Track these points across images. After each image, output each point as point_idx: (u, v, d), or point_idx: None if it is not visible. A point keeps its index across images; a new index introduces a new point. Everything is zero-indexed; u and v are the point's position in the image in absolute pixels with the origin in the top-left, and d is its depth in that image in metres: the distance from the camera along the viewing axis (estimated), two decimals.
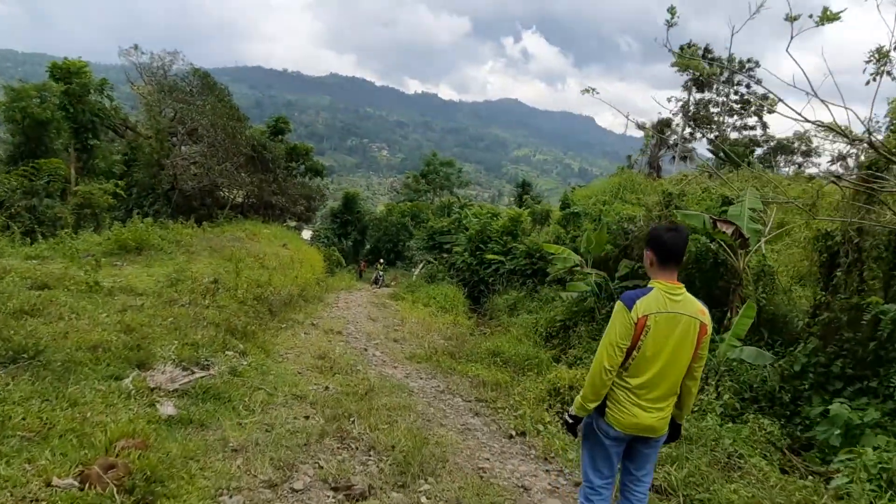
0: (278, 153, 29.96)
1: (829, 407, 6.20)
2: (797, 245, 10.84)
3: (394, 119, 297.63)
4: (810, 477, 5.51)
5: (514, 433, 5.62)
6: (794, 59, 5.44)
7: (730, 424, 6.13)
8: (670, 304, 2.95)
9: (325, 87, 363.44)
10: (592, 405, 3.07)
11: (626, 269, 12.01)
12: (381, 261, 30.68)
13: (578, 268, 12.81)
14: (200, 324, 7.73)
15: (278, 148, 30.56)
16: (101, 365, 5.40)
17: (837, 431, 5.92)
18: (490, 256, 19.29)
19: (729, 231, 7.98)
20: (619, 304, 2.99)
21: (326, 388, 6.48)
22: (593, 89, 9.97)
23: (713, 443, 5.61)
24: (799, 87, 5.30)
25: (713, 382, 7.22)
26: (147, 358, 5.85)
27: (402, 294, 20.13)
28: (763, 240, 8.83)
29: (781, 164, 46.72)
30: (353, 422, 5.33)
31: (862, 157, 7.09)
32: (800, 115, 5.72)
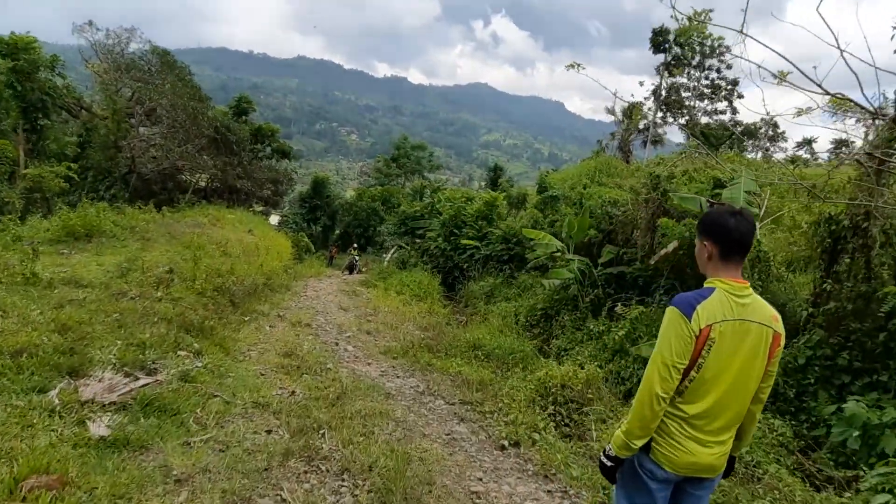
0: (243, 135, 28.73)
1: (845, 406, 5.72)
2: (785, 229, 10.38)
3: (363, 103, 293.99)
4: (829, 487, 5.05)
5: (506, 443, 4.98)
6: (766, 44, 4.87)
7: None
8: (737, 309, 2.32)
9: (292, 70, 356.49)
10: (640, 442, 2.39)
11: (610, 254, 11.48)
12: (355, 246, 29.54)
13: (559, 254, 12.23)
14: (150, 320, 6.90)
15: (243, 129, 29.32)
16: (24, 374, 4.59)
17: (856, 433, 5.44)
18: (465, 242, 18.62)
19: None
20: (672, 312, 2.33)
21: (293, 392, 5.74)
22: (579, 65, 9.32)
23: None
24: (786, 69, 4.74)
25: None
26: (82, 363, 5.03)
27: (374, 281, 19.36)
28: (760, 225, 8.32)
29: (749, 149, 47.10)
30: (324, 435, 4.62)
31: (870, 136, 6.55)
32: (819, 85, 5.15)
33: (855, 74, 4.76)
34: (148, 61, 27.98)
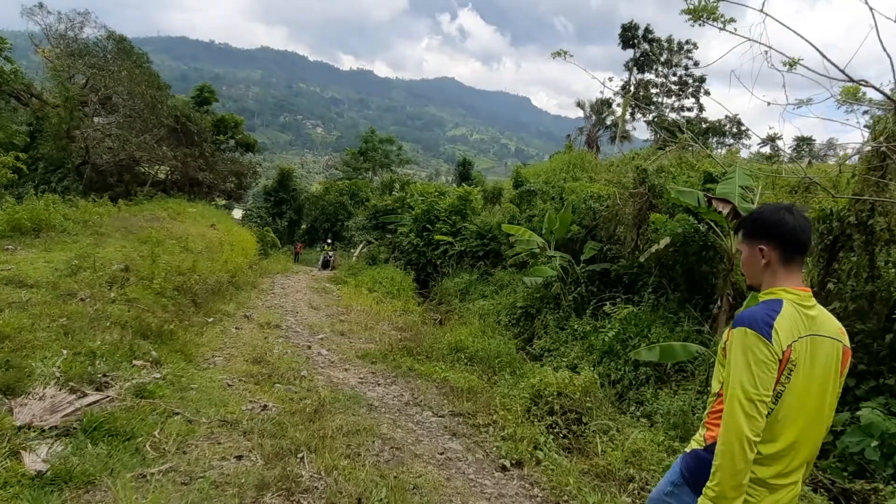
0: (204, 125, 27.59)
1: (859, 413, 5.40)
2: None
3: (328, 95, 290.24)
4: (848, 500, 4.71)
5: (507, 463, 4.47)
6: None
7: None
8: (808, 322, 1.93)
9: (255, 61, 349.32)
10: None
11: (593, 251, 11.11)
12: (329, 241, 28.48)
13: (539, 250, 11.81)
14: (101, 325, 6.19)
15: (204, 120, 28.17)
16: None
17: (874, 443, 5.11)
18: (439, 237, 18.09)
19: (725, 210, 7.08)
20: (745, 333, 1.86)
21: (264, 406, 5.13)
22: (566, 52, 8.89)
23: None
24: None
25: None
26: (19, 379, 4.34)
27: (344, 278, 18.71)
28: None
29: (714, 146, 47.72)
30: (303, 459, 4.04)
31: (877, 128, 6.25)
32: (842, 71, 4.79)
33: (889, 57, 4.37)
34: (103, 47, 26.63)
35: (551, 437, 5.14)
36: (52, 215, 12.52)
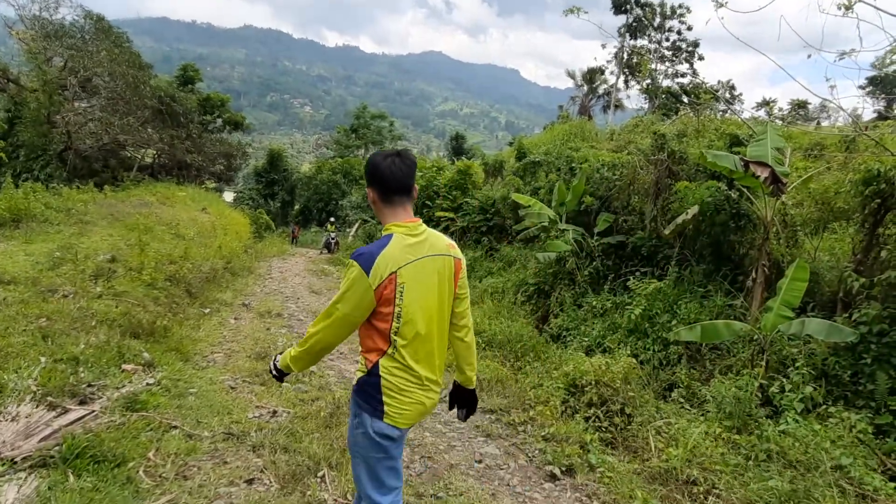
0: (190, 105, 26.58)
1: None
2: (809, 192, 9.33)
3: (315, 73, 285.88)
4: None
5: (557, 471, 3.92)
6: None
7: (816, 425, 4.69)
8: (417, 248, 2.32)
9: (239, 40, 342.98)
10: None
11: (606, 223, 10.52)
12: (332, 220, 26.53)
13: (548, 223, 11.20)
14: (86, 325, 5.56)
15: (189, 99, 27.13)
16: None
17: None
18: (439, 214, 17.43)
19: (763, 175, 6.47)
20: (353, 265, 2.20)
21: (274, 412, 4.55)
22: (579, 9, 8.25)
23: (809, 456, 4.20)
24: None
25: (762, 363, 5.82)
26: None
27: (343, 259, 18.09)
28: (790, 187, 7.41)
29: (708, 111, 47.01)
30: (324, 478, 3.48)
31: None
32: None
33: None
34: (80, 28, 25.49)
35: (597, 433, 4.60)
36: (31, 204, 11.80)
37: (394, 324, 2.21)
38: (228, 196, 36.55)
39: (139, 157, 26.38)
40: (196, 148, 26.77)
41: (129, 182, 22.89)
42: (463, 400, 2.67)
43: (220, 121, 30.99)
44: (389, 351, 2.23)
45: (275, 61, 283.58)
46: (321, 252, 22.78)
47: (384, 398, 2.21)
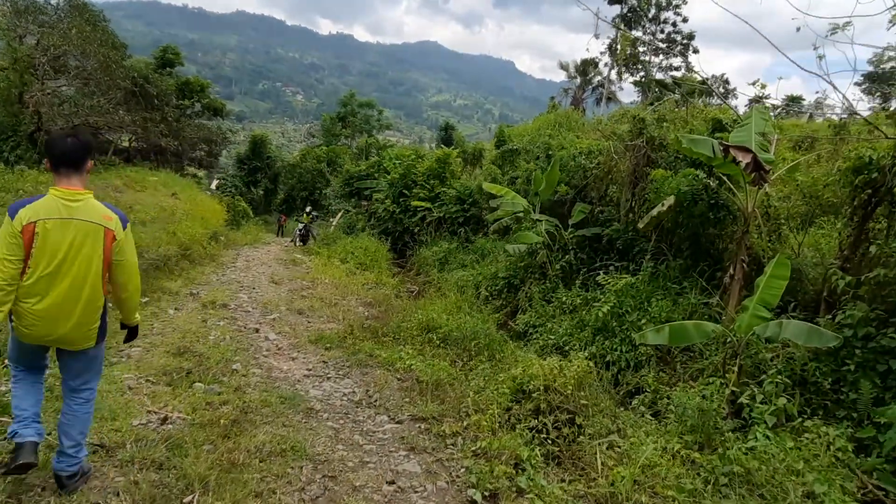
0: (165, 87, 25.72)
1: None
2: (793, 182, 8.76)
3: (308, 61, 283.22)
4: None
5: (479, 496, 3.34)
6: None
7: (789, 442, 4.13)
8: (67, 211, 2.95)
9: (231, 26, 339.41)
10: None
11: (582, 214, 9.96)
12: (309, 208, 23.43)
13: (522, 213, 10.62)
14: None
15: (165, 82, 26.27)
16: None
17: None
18: (416, 203, 16.80)
19: (745, 161, 5.90)
20: (5, 215, 2.88)
21: (165, 419, 3.95)
22: None
23: (777, 481, 3.65)
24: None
25: (734, 368, 5.27)
26: None
27: (317, 248, 17.43)
28: (777, 175, 6.84)
29: (699, 101, 46.60)
30: None
31: None
32: None
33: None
34: (55, 5, 24.62)
35: (537, 447, 4.03)
36: None
37: (29, 262, 2.83)
38: (215, 183, 35.71)
39: (115, 140, 25.58)
40: (171, 132, 25.94)
41: (101, 166, 22.12)
42: (128, 333, 3.46)
43: (198, 105, 30.12)
44: (24, 282, 2.84)
45: (267, 48, 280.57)
46: (294, 243, 20.41)
47: (13, 316, 2.91)
